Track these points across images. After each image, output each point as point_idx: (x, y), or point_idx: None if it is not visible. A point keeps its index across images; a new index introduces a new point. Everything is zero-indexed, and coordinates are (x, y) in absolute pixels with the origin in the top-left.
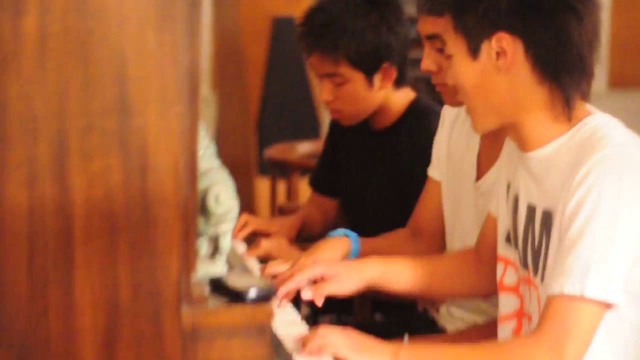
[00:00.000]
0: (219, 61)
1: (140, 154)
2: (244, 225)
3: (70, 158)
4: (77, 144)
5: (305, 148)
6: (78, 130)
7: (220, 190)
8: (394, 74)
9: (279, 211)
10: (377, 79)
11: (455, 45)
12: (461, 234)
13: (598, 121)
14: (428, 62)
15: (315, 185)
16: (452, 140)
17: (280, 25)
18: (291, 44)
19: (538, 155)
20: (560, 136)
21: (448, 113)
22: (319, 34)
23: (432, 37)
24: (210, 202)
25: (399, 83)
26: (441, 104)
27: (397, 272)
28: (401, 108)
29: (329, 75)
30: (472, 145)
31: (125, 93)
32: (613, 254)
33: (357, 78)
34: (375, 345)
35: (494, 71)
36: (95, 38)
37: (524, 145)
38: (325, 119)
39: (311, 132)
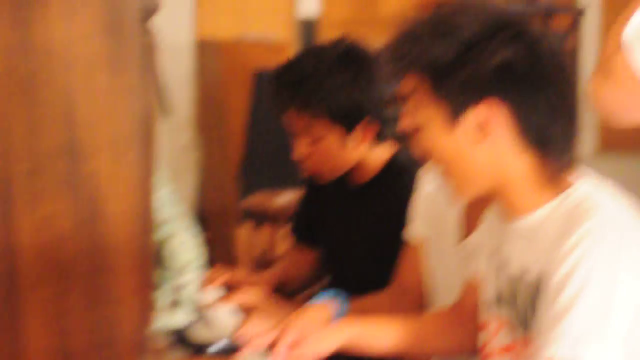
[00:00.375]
0: (202, 108)
1: (92, 200)
2: (217, 275)
3: (15, 201)
4: (23, 187)
5: (287, 198)
6: (23, 173)
7: (178, 244)
8: (375, 127)
9: (259, 263)
10: (356, 134)
11: (432, 112)
12: (446, 293)
13: (585, 189)
14: (405, 122)
15: (296, 234)
16: (432, 199)
17: (262, 78)
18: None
19: (525, 222)
20: (546, 204)
21: (426, 172)
22: (293, 90)
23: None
24: (166, 257)
25: (379, 139)
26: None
27: (376, 332)
28: (379, 165)
29: (304, 132)
30: (455, 205)
31: (75, 137)
32: (605, 326)
33: (334, 134)
34: None
35: (472, 143)
36: (41, 79)
37: (508, 213)
38: None
39: (295, 180)
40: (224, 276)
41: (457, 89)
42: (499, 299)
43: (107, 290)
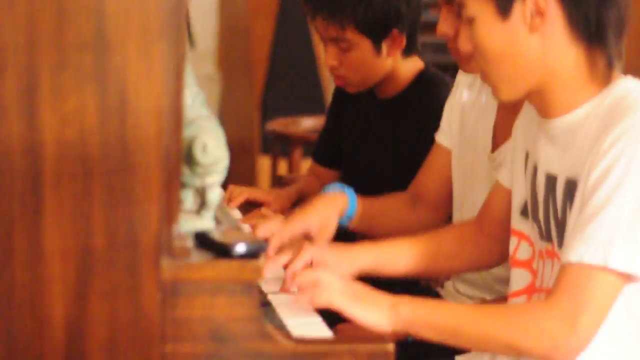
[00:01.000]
0: (225, 39)
1: (119, 94)
2: (238, 194)
3: (40, 95)
4: (48, 81)
5: (309, 123)
6: (50, 66)
7: (209, 139)
8: (403, 41)
9: (278, 181)
10: (385, 46)
11: (481, 6)
12: (471, 207)
13: (629, 85)
14: (445, 26)
15: (317, 156)
16: (466, 108)
17: (287, 3)
18: (298, 21)
19: (563, 121)
20: (588, 101)
21: (463, 79)
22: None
23: (450, 1)
24: (197, 151)
25: (407, 52)
26: (455, 69)
27: (391, 257)
28: (409, 77)
29: (335, 40)
30: (489, 114)
31: (103, 28)
32: None
33: (364, 44)
34: (373, 296)
35: (526, 32)
36: None
37: (548, 112)
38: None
39: (316, 108)
40: (243, 194)
41: None
42: (524, 209)
43: (132, 188)
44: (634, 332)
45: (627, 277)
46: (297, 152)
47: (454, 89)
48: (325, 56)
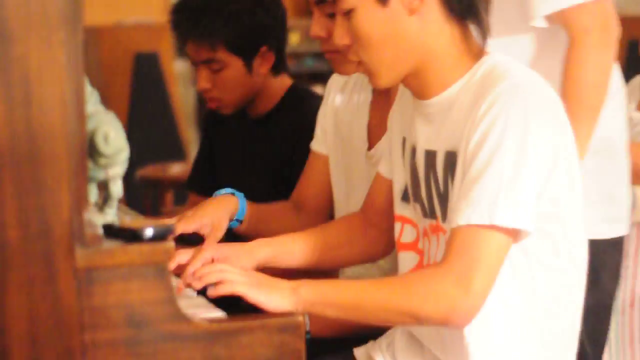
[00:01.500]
0: None
1: (23, 85)
2: None
3: None
4: None
5: (177, 169)
6: None
7: (110, 130)
8: (272, 58)
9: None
10: (255, 64)
11: None
12: (356, 205)
13: (497, 58)
14: (317, 28)
15: (192, 185)
16: (340, 111)
17: (142, 60)
18: (153, 78)
19: (439, 100)
20: (462, 77)
21: (334, 84)
22: (194, 19)
23: (321, 2)
24: (100, 142)
25: (276, 69)
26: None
27: (286, 249)
28: (279, 94)
29: (207, 62)
30: (362, 114)
31: (4, 18)
32: (522, 182)
33: (235, 63)
34: (275, 281)
35: (406, 15)
36: None
37: (424, 93)
38: (190, 145)
39: (177, 154)
40: None
41: None
42: (405, 194)
43: (42, 177)
44: (524, 291)
45: (513, 233)
46: (169, 197)
47: (325, 95)
48: (198, 80)
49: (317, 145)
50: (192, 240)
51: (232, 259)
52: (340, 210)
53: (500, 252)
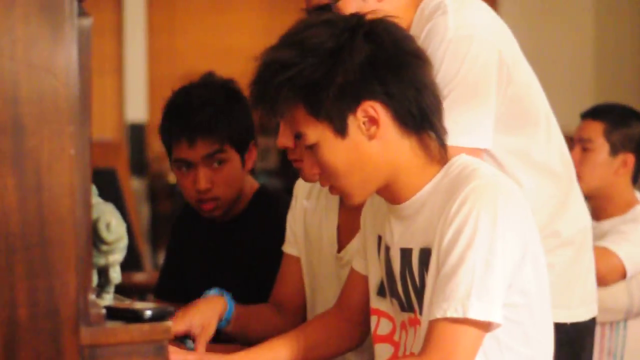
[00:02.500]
0: None
1: (35, 175)
2: None
3: None
4: None
5: (145, 275)
6: None
7: (112, 219)
8: (255, 156)
9: None
10: (246, 159)
11: (320, 132)
12: (323, 306)
13: (464, 159)
14: (284, 139)
15: (159, 293)
16: (308, 215)
17: (100, 177)
18: (112, 194)
19: (411, 203)
20: (432, 179)
21: (300, 190)
22: (200, 116)
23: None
24: (102, 230)
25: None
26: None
27: (266, 354)
28: (248, 195)
29: (211, 158)
30: (331, 217)
31: (19, 113)
32: (492, 278)
33: (235, 159)
34: None
35: (367, 141)
36: None
37: (397, 199)
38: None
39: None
40: None
41: (333, 104)
42: (381, 289)
43: (51, 260)
44: None
45: (486, 326)
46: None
47: (293, 200)
48: (198, 181)
49: (289, 247)
50: (183, 338)
51: None
52: (309, 311)
53: (475, 343)
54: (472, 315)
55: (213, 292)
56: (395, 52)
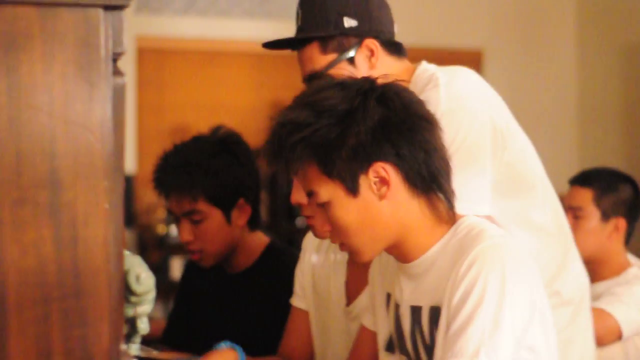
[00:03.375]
0: None
1: (71, 227)
2: None
3: (2, 229)
4: (9, 215)
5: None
6: (10, 202)
7: (141, 271)
8: (249, 211)
9: None
10: (234, 215)
11: (331, 190)
12: (332, 358)
13: (472, 220)
14: (297, 195)
15: (167, 340)
16: (317, 269)
17: None
18: None
19: (420, 262)
20: (440, 239)
21: (309, 244)
22: (176, 174)
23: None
24: (132, 281)
25: (253, 225)
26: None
27: None
28: (257, 251)
29: (188, 214)
30: (339, 272)
31: (56, 168)
32: (500, 337)
33: (215, 214)
34: None
35: (377, 201)
36: (26, 117)
37: (405, 258)
38: None
39: None
40: None
41: (345, 164)
42: (389, 345)
43: (85, 310)
44: None
45: None
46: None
47: (302, 254)
48: (180, 232)
49: (297, 301)
50: None
51: None
52: None
53: None
54: None
55: (224, 345)
56: (406, 115)
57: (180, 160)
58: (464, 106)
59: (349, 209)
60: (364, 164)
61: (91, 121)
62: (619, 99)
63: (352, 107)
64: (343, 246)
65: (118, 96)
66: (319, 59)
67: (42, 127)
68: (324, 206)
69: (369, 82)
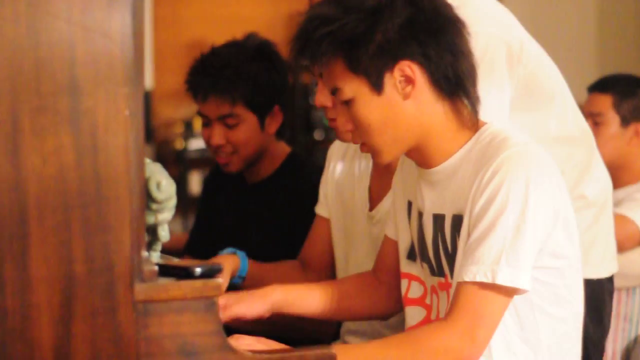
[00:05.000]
0: None
1: (92, 134)
2: None
3: (22, 137)
4: (29, 124)
5: None
6: (30, 110)
7: (162, 178)
8: (280, 119)
9: None
10: (267, 122)
11: (356, 87)
12: (356, 263)
13: (495, 127)
14: (322, 97)
15: (190, 250)
16: (341, 179)
17: None
18: None
19: (442, 168)
20: (462, 147)
21: (335, 152)
22: (217, 76)
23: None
24: (153, 188)
25: (281, 132)
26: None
27: (300, 296)
28: (279, 160)
29: (224, 118)
30: (363, 180)
31: (75, 75)
32: (522, 245)
33: (251, 119)
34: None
35: (401, 100)
36: (44, 23)
37: (427, 163)
38: None
39: None
40: None
41: (372, 60)
42: (411, 253)
43: (106, 218)
44: (528, 338)
45: (513, 291)
46: None
47: (327, 163)
48: (212, 136)
49: (320, 209)
50: None
51: (246, 300)
52: (341, 269)
53: (501, 307)
54: (500, 281)
55: (226, 252)
56: (434, 16)
57: (220, 63)
58: (476, 32)
59: (372, 107)
60: (390, 62)
61: (110, 28)
62: (638, 8)
63: (381, 4)
64: (364, 146)
65: (137, 3)
66: None
67: (60, 34)
68: (348, 104)
69: None
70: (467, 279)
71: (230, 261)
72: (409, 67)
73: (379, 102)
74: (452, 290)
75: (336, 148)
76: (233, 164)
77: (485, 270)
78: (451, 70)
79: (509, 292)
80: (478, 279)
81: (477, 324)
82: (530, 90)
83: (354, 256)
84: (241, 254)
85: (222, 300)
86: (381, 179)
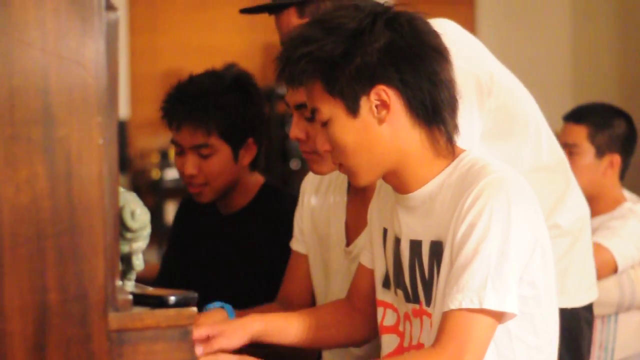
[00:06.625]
0: None
1: (65, 163)
2: None
3: None
4: (2, 152)
5: None
6: (3, 139)
7: (136, 207)
8: (254, 151)
9: None
10: (241, 154)
11: (333, 108)
12: (334, 298)
13: (474, 154)
14: (297, 130)
15: (161, 283)
16: (316, 212)
17: None
18: None
19: (420, 194)
20: (440, 172)
21: (308, 186)
22: (192, 105)
23: (300, 107)
24: (127, 217)
25: (253, 165)
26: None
27: (279, 326)
28: (253, 191)
29: (197, 148)
30: (339, 214)
31: (49, 104)
32: (507, 269)
33: (224, 150)
34: None
35: (376, 124)
36: (18, 54)
37: (404, 188)
38: None
39: None
40: None
41: (348, 83)
42: (386, 282)
43: (80, 246)
44: None
45: (500, 316)
46: None
47: (300, 196)
48: (185, 165)
49: (296, 245)
50: None
51: (227, 332)
52: (320, 304)
53: (488, 333)
54: (488, 305)
55: (214, 306)
56: (414, 42)
57: (196, 92)
58: None
59: (348, 129)
60: (366, 85)
61: (84, 57)
62: (612, 34)
63: (360, 27)
64: (341, 167)
65: (111, 31)
66: (296, 23)
67: (34, 62)
68: (326, 125)
69: (384, 7)
70: (453, 306)
71: (219, 317)
72: (384, 92)
73: (355, 124)
74: (428, 318)
75: (309, 181)
76: (204, 194)
77: (471, 297)
78: (429, 98)
79: (497, 316)
80: (464, 306)
81: (465, 349)
82: (502, 121)
83: (333, 291)
84: (228, 308)
85: (203, 332)
86: (358, 214)
